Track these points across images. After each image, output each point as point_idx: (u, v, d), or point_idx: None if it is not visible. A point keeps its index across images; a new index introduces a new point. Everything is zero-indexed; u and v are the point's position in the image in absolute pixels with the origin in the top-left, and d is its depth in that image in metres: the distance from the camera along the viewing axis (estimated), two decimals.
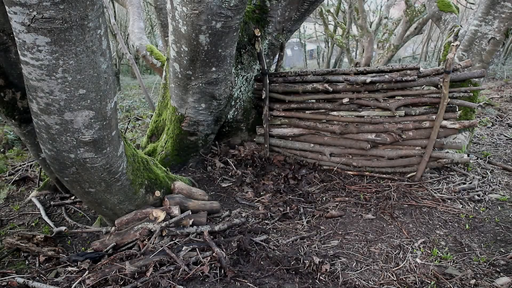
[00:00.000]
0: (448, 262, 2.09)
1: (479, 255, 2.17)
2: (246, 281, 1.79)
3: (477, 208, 2.73)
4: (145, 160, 2.38)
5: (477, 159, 3.66)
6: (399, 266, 2.05)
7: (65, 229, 2.52)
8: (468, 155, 3.31)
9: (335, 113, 3.16)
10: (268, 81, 3.27)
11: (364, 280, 1.91)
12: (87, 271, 1.91)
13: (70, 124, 1.66)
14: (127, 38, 9.89)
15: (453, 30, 3.99)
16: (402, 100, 2.95)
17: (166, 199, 2.37)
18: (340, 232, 2.43)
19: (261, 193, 2.99)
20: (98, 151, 1.82)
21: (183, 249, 2.01)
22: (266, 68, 3.23)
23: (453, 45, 2.74)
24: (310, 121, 3.27)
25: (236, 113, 3.46)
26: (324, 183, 3.12)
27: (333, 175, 3.22)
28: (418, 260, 2.10)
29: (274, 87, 3.31)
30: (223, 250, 2.00)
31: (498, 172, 3.39)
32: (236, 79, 3.27)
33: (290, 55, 22.44)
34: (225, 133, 3.55)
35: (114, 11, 10.46)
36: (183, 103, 3.00)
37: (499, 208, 2.72)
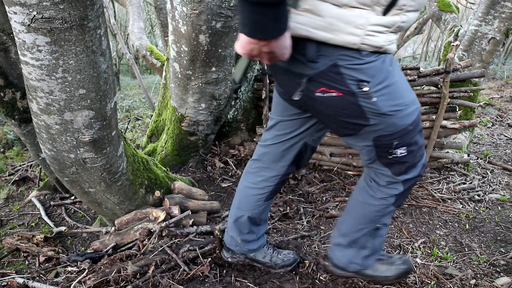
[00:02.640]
0: (448, 262, 2.09)
1: (479, 255, 2.17)
2: (246, 281, 1.79)
3: (477, 208, 2.73)
4: (145, 160, 2.38)
5: (477, 159, 3.66)
6: None
7: (65, 229, 2.52)
8: (468, 155, 3.31)
9: None
10: (268, 81, 3.27)
11: (364, 280, 1.91)
12: (86, 271, 1.91)
13: (70, 124, 1.66)
14: (127, 38, 9.89)
15: (453, 30, 3.99)
16: None
17: (166, 199, 2.37)
18: None
19: None
20: (98, 151, 1.82)
21: (183, 249, 2.01)
22: (266, 68, 3.22)
23: (453, 45, 2.74)
24: None
25: (236, 113, 3.46)
26: (324, 183, 3.11)
27: (333, 175, 3.21)
28: (418, 260, 2.10)
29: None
30: None
31: (498, 172, 3.39)
32: None
33: None
34: (225, 133, 3.55)
35: (114, 11, 10.46)
36: (183, 103, 3.00)
37: (499, 208, 2.72)
